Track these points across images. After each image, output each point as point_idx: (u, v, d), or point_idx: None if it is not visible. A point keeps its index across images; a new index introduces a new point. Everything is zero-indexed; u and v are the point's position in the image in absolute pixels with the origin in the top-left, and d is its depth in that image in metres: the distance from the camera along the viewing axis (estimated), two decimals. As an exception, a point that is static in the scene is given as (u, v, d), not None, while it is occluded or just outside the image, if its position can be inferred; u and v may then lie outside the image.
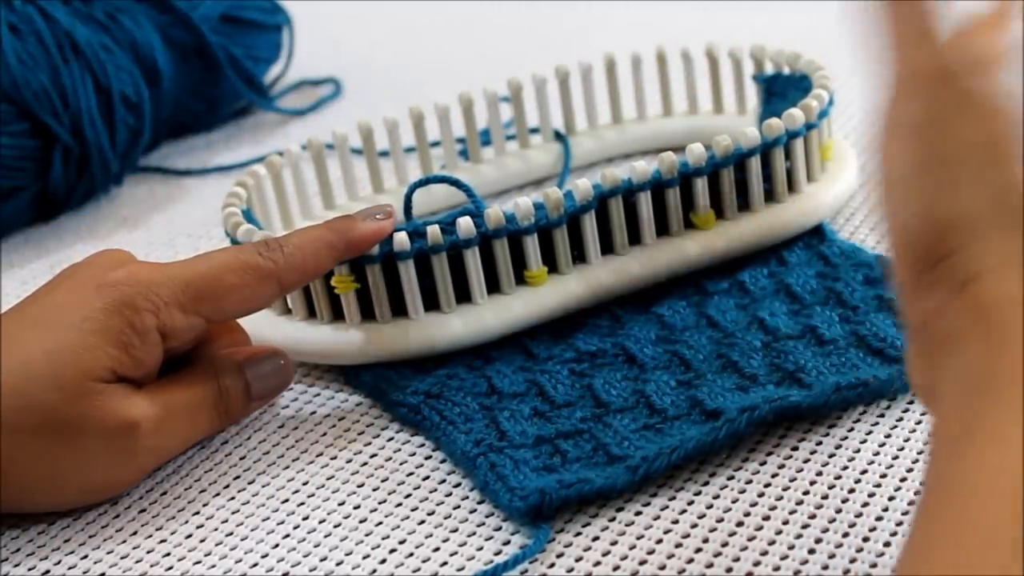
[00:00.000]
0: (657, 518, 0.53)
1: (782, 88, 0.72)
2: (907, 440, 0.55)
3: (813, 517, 0.52)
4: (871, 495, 0.52)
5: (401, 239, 0.59)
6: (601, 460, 0.55)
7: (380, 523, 0.54)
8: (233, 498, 0.56)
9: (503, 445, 0.55)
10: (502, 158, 0.76)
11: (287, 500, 0.56)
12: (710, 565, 0.50)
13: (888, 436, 0.55)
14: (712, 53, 0.76)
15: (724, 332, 0.61)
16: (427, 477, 0.56)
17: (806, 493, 0.53)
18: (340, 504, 0.55)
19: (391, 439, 0.59)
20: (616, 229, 0.63)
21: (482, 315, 0.61)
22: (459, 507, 0.55)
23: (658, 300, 0.63)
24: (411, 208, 0.64)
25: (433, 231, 0.60)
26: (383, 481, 0.56)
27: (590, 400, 0.58)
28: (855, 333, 0.59)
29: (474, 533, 0.53)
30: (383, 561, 0.52)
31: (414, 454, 0.58)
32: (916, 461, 0.54)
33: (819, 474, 0.54)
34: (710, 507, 0.53)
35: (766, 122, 0.65)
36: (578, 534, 0.52)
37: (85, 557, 0.54)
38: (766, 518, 0.52)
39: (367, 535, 0.54)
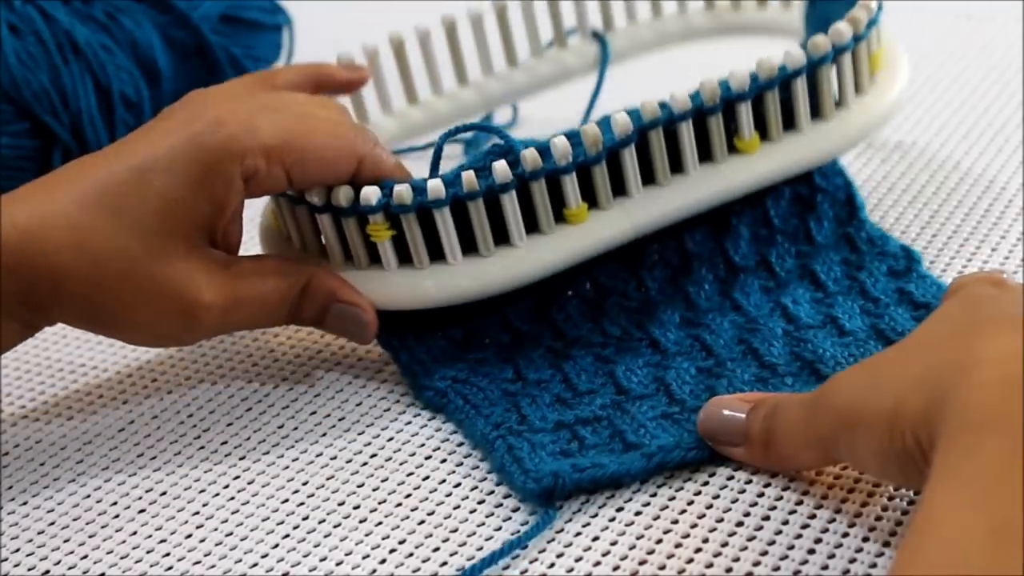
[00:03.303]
0: (657, 518, 0.53)
1: None
2: (907, 440, 0.55)
3: (813, 517, 0.52)
4: (871, 495, 0.52)
5: (436, 187, 0.58)
6: (618, 447, 0.55)
7: (380, 523, 0.54)
8: (233, 498, 0.56)
9: (522, 429, 0.56)
10: (537, 61, 0.74)
11: (287, 500, 0.56)
12: (710, 565, 0.50)
13: (888, 436, 0.55)
14: None
15: (747, 317, 0.61)
16: (427, 477, 0.56)
17: (806, 493, 0.53)
18: (340, 504, 0.55)
19: (391, 439, 0.59)
20: (657, 160, 0.61)
21: (523, 257, 0.60)
22: (459, 507, 0.55)
23: (685, 270, 0.62)
24: (440, 160, 0.62)
25: (468, 177, 0.58)
26: (383, 481, 0.56)
27: (611, 387, 0.58)
28: (874, 326, 0.59)
29: (474, 533, 0.53)
30: (383, 561, 0.52)
31: (414, 454, 0.58)
32: (916, 461, 0.54)
33: (819, 474, 0.54)
34: (710, 507, 0.53)
35: (811, 40, 0.62)
36: (578, 534, 0.52)
37: (85, 557, 0.54)
38: (766, 518, 0.52)
39: (367, 535, 0.54)
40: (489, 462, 0.56)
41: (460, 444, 0.58)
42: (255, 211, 0.67)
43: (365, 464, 0.58)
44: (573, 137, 0.59)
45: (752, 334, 0.60)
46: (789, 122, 0.63)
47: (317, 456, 0.58)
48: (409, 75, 0.72)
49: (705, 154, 0.62)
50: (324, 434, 0.59)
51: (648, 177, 0.61)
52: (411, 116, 0.72)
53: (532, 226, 0.60)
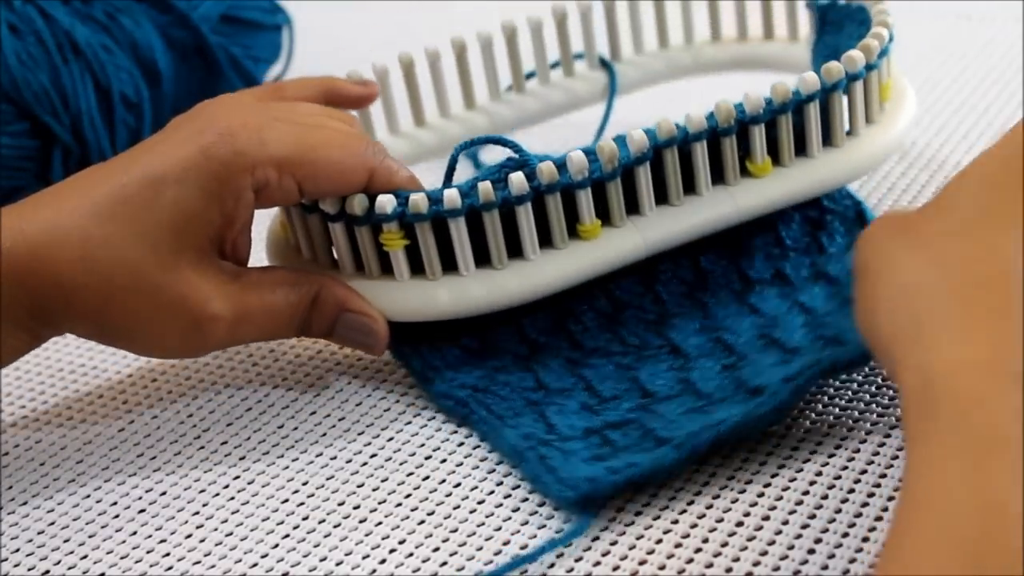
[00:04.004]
0: (657, 518, 0.53)
1: (838, 18, 0.69)
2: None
3: (813, 517, 0.52)
4: (871, 495, 0.52)
5: (452, 196, 0.58)
6: (649, 446, 0.54)
7: (380, 523, 0.54)
8: (233, 498, 0.56)
9: (551, 438, 0.55)
10: (545, 87, 0.74)
11: (287, 500, 0.56)
12: (710, 565, 0.50)
13: (888, 436, 0.55)
14: None
15: (765, 318, 0.61)
16: (427, 477, 0.56)
17: (806, 493, 0.53)
18: (340, 504, 0.55)
19: (391, 439, 0.59)
20: (671, 180, 0.61)
21: (536, 270, 0.60)
22: (459, 507, 0.55)
23: (701, 285, 0.63)
24: (454, 172, 0.62)
25: (485, 188, 0.58)
26: (383, 481, 0.56)
27: (636, 392, 0.58)
28: None
29: (474, 533, 0.53)
30: (383, 561, 0.52)
31: (414, 454, 0.58)
32: (916, 461, 0.54)
33: (819, 474, 0.54)
34: (710, 507, 0.53)
35: (825, 66, 0.62)
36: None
37: (85, 557, 0.54)
38: (766, 518, 0.52)
39: (367, 535, 0.54)
40: (521, 473, 0.55)
41: (460, 444, 0.58)
42: (262, 226, 0.67)
43: (365, 464, 0.58)
44: (589, 153, 0.59)
45: (772, 328, 0.59)
46: (801, 149, 0.64)
47: (317, 456, 0.58)
48: (418, 96, 0.72)
49: (718, 176, 0.62)
50: (324, 434, 0.59)
51: (661, 198, 0.62)
52: (420, 137, 0.72)
53: (545, 241, 0.60)
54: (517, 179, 0.58)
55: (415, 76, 0.71)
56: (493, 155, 0.76)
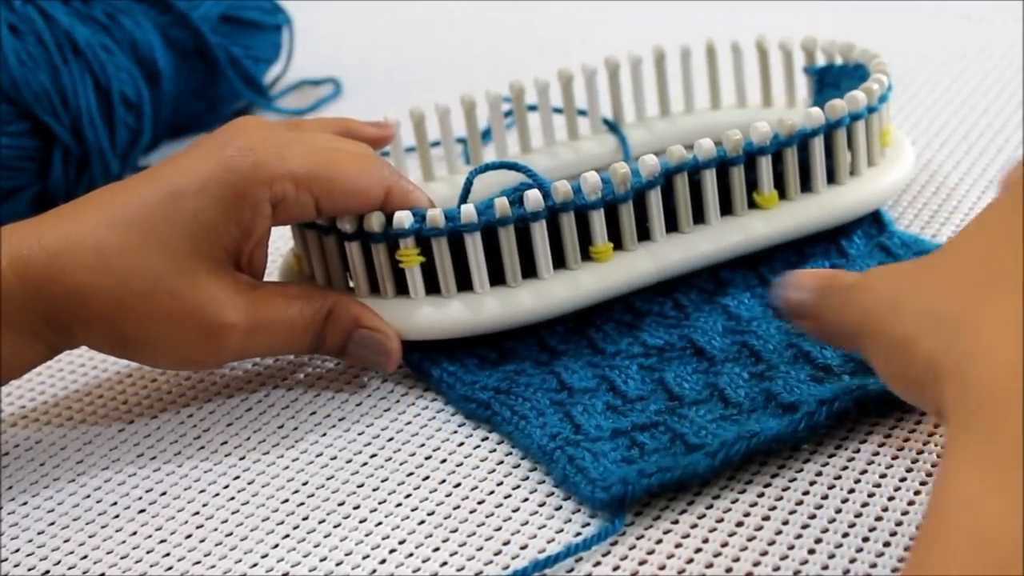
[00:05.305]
0: (657, 518, 0.53)
1: (835, 79, 0.71)
2: (907, 440, 0.55)
3: (813, 517, 0.52)
4: (871, 495, 0.52)
5: (468, 211, 0.59)
6: (680, 451, 0.54)
7: (380, 523, 0.54)
8: (233, 498, 0.56)
9: (579, 439, 0.55)
10: (553, 148, 0.74)
11: (287, 500, 0.56)
12: (710, 565, 0.50)
13: (888, 436, 0.55)
14: (762, 46, 0.74)
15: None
16: (427, 477, 0.56)
17: (806, 493, 0.53)
18: (340, 504, 0.56)
19: (391, 439, 0.59)
20: (681, 206, 0.62)
21: (550, 289, 0.61)
22: (459, 507, 0.55)
23: (721, 290, 0.63)
24: (468, 194, 0.63)
25: (501, 203, 0.59)
26: (383, 481, 0.56)
27: (663, 394, 0.58)
28: None
29: (474, 533, 0.53)
30: (383, 561, 0.52)
31: (414, 454, 0.58)
32: (915, 461, 0.54)
33: (819, 474, 0.54)
34: (709, 507, 0.53)
35: (829, 103, 0.64)
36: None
37: (85, 557, 0.54)
38: (766, 518, 0.52)
39: (367, 535, 0.54)
40: (549, 474, 0.55)
41: (460, 444, 0.58)
42: (277, 253, 0.67)
43: (365, 464, 0.58)
44: (602, 177, 0.61)
45: (801, 338, 0.59)
46: (806, 186, 0.65)
47: (317, 456, 0.58)
48: (426, 151, 0.72)
49: (726, 209, 0.64)
50: (324, 434, 0.60)
51: (671, 225, 0.63)
52: (432, 191, 0.71)
53: (559, 265, 0.61)
54: (533, 195, 0.59)
55: (425, 130, 0.72)
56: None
